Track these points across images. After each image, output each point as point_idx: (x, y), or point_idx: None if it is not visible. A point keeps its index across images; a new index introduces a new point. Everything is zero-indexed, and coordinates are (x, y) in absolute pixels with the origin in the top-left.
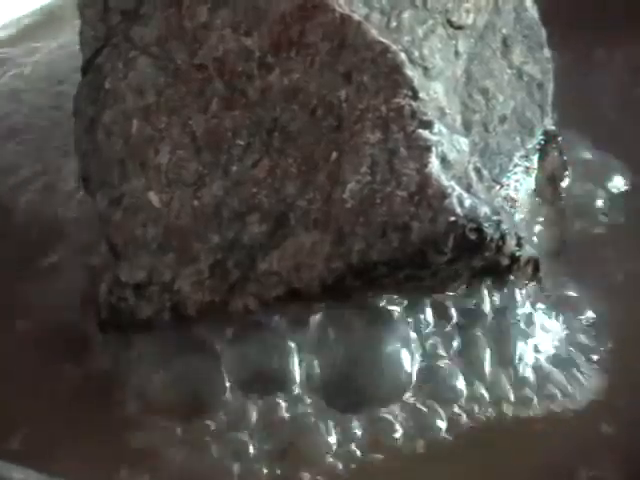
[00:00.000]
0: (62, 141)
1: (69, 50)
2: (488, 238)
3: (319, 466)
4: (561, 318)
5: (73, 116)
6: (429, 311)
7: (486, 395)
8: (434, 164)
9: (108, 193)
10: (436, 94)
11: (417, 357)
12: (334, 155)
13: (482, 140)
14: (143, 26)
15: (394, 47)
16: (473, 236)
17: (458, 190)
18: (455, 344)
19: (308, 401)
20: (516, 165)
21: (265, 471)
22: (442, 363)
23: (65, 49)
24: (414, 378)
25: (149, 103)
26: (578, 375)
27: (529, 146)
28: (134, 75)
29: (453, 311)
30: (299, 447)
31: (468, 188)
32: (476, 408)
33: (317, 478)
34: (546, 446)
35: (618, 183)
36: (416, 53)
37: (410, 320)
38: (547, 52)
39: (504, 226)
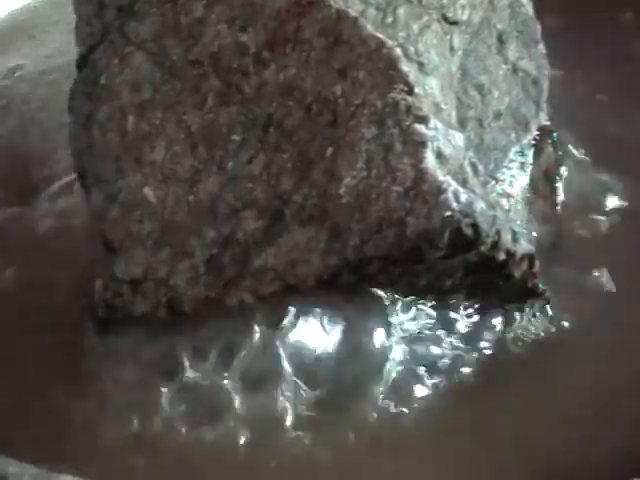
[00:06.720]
0: None
1: None
2: (484, 233)
3: None
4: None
5: (68, 112)
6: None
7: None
8: (429, 159)
9: (104, 189)
10: (431, 89)
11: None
12: (329, 151)
13: (477, 136)
14: (139, 22)
15: (389, 43)
16: (469, 231)
17: (454, 185)
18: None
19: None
20: (511, 161)
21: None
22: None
23: None
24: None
25: (145, 99)
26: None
27: (524, 142)
28: (130, 71)
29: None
30: None
31: (464, 183)
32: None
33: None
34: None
35: (613, 179)
36: (411, 49)
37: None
38: (542, 48)
39: (499, 221)
